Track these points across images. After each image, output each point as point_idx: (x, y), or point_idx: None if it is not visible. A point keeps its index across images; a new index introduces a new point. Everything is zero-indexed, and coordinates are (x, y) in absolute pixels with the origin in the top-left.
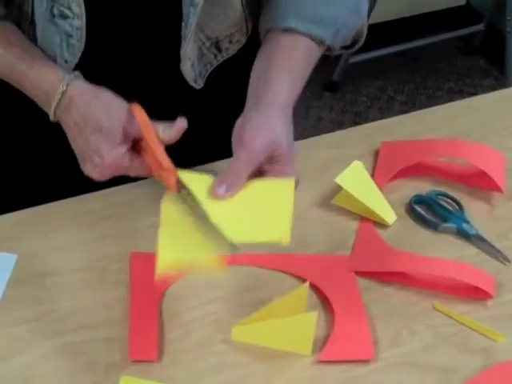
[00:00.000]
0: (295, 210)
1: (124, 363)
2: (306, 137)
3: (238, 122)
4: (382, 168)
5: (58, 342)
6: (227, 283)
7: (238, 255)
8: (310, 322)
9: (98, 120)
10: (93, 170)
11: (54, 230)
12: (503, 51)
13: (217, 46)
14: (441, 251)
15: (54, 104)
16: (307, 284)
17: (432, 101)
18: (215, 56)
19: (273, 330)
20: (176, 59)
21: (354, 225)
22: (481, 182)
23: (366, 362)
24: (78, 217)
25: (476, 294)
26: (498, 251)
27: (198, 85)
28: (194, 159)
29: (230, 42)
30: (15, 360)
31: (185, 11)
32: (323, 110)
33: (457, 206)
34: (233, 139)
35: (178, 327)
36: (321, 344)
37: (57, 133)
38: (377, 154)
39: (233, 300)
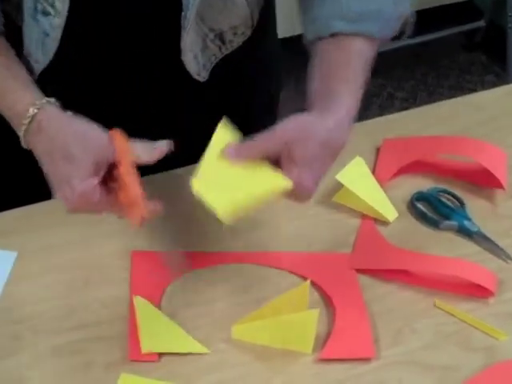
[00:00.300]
0: (294, 208)
1: (123, 361)
2: None
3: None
4: (383, 165)
5: (56, 341)
6: (227, 281)
7: (238, 253)
8: (312, 320)
9: (67, 147)
10: (65, 199)
11: (54, 227)
12: (504, 47)
13: (221, 37)
14: (442, 249)
15: (23, 129)
16: (308, 282)
17: (433, 97)
18: (219, 48)
19: (273, 328)
20: (177, 52)
21: (354, 222)
22: (483, 180)
23: (367, 360)
24: (77, 214)
25: (477, 291)
26: (500, 249)
27: (202, 78)
28: (196, 155)
29: (235, 34)
30: (14, 358)
31: (184, 1)
32: None
33: (458, 204)
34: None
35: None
36: (322, 342)
37: None
38: (378, 150)
39: (233, 298)
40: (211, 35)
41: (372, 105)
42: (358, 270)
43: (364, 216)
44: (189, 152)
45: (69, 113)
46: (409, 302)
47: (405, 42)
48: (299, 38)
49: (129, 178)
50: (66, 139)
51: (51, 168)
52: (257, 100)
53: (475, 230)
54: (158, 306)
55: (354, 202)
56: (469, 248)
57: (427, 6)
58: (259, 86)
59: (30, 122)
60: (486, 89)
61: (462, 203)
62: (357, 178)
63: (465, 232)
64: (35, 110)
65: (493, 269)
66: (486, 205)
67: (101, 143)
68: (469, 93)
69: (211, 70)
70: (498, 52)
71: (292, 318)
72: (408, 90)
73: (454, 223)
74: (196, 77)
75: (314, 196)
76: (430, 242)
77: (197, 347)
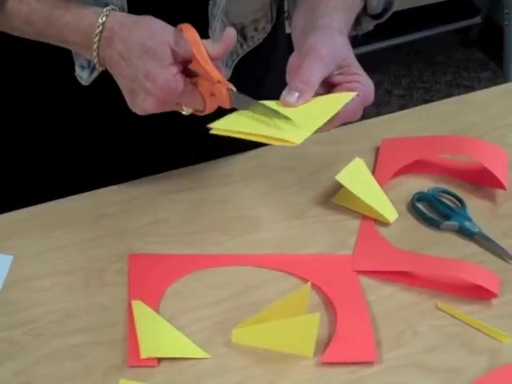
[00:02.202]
0: (294, 210)
1: (123, 366)
2: None
3: (292, 55)
4: (382, 165)
5: (55, 345)
6: (227, 284)
7: (237, 255)
8: (313, 323)
9: (142, 43)
10: (145, 100)
11: (50, 230)
12: (501, 44)
13: (242, 33)
14: (443, 249)
15: (95, 40)
16: (309, 284)
17: (429, 94)
18: (241, 45)
19: (274, 331)
20: None
21: (355, 223)
22: (483, 179)
23: (369, 363)
24: (74, 216)
25: (480, 293)
26: (502, 249)
27: (225, 76)
28: (218, 152)
29: (256, 30)
30: (11, 364)
31: None
32: None
33: (459, 204)
34: (288, 70)
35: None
36: (323, 345)
37: (55, 132)
38: (377, 150)
39: (233, 301)
40: None
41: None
42: (359, 272)
43: (364, 217)
44: (204, 151)
45: (133, 15)
46: (410, 304)
47: (401, 38)
48: None
49: (207, 65)
50: (141, 36)
51: (127, 69)
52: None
53: (476, 230)
54: (157, 309)
55: (353, 203)
56: (470, 249)
57: (424, 3)
58: (273, 83)
59: (101, 32)
60: (483, 86)
61: (462, 203)
62: (356, 178)
63: (466, 232)
64: (104, 18)
65: (494, 270)
66: (487, 205)
67: (173, 36)
68: (465, 89)
69: (233, 68)
70: (494, 49)
71: (293, 322)
72: (405, 86)
73: (454, 224)
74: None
75: (313, 197)
76: (431, 243)
77: (197, 352)
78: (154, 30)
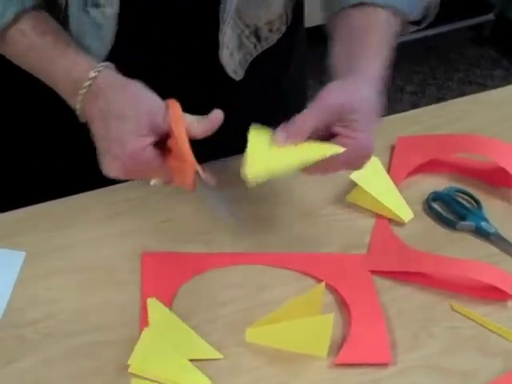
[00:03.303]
0: (307, 209)
1: None
2: None
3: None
4: (398, 164)
5: (65, 344)
6: (240, 283)
7: (251, 254)
8: (327, 324)
9: (122, 108)
10: (112, 162)
11: (63, 227)
12: None
13: (256, 34)
14: (459, 250)
15: (81, 92)
16: (323, 284)
17: (441, 91)
18: (255, 46)
19: (288, 332)
20: (214, 48)
21: (369, 223)
22: (500, 179)
23: (383, 365)
24: (87, 213)
25: (495, 294)
26: None
27: (238, 76)
28: (231, 150)
29: (270, 31)
30: (24, 362)
31: None
32: None
33: (475, 204)
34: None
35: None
36: (337, 346)
37: (67, 128)
38: (392, 149)
39: (246, 301)
40: (246, 32)
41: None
42: (373, 272)
43: (378, 216)
44: (216, 149)
45: (125, 78)
46: (425, 305)
47: (414, 35)
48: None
49: (183, 144)
50: (124, 100)
51: (102, 127)
52: (290, 99)
53: (492, 231)
54: (170, 308)
55: (368, 202)
56: (486, 249)
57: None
58: (291, 84)
59: (89, 85)
60: (496, 83)
61: (478, 203)
62: (371, 177)
63: (482, 233)
64: (95, 73)
65: (510, 271)
66: (504, 205)
67: (156, 108)
68: (478, 87)
69: (246, 69)
70: (507, 46)
71: (307, 322)
72: (417, 83)
73: (470, 224)
74: (232, 74)
75: (327, 195)
76: (447, 243)
77: (211, 352)
78: (138, 97)
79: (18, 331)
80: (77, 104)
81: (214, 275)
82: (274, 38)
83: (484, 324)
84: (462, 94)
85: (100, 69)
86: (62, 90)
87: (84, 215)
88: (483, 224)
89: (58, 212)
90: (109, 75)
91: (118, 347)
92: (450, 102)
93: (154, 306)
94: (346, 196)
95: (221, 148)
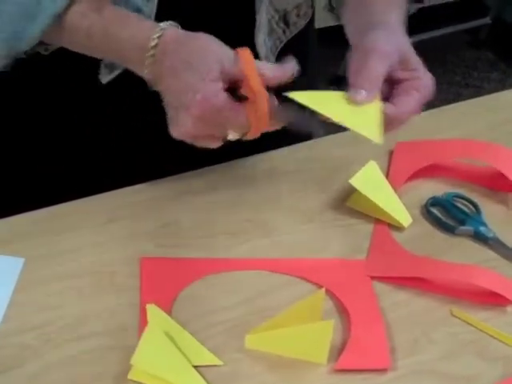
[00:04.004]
0: (307, 214)
1: None
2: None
3: (351, 54)
4: (396, 169)
5: (65, 350)
6: (240, 289)
7: (250, 260)
8: (327, 330)
9: (191, 58)
10: (184, 116)
11: (61, 233)
12: (510, 44)
13: (285, 19)
14: (458, 255)
15: (149, 54)
16: (323, 290)
17: (438, 94)
18: (284, 31)
19: (288, 338)
20: (249, 33)
21: (368, 228)
22: (498, 184)
23: (383, 370)
24: (86, 219)
25: (495, 299)
26: None
27: (270, 62)
28: (229, 155)
29: (298, 16)
30: (22, 369)
31: None
32: None
33: (474, 209)
34: (349, 68)
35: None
36: (336, 352)
37: (67, 134)
38: (391, 154)
39: (246, 306)
40: (276, 17)
41: None
42: (373, 277)
43: (378, 221)
44: (215, 154)
45: (189, 32)
46: (425, 311)
47: (411, 38)
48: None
49: (259, 89)
50: (190, 52)
51: (173, 82)
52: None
53: (491, 235)
54: (169, 314)
55: (367, 207)
56: (485, 254)
57: (433, 3)
58: (312, 70)
59: (155, 46)
60: (492, 86)
61: (477, 208)
62: (370, 182)
63: (481, 238)
64: (160, 33)
65: (509, 276)
66: (503, 210)
67: (225, 54)
68: (475, 89)
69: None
70: (504, 49)
71: (307, 329)
72: None
73: (469, 229)
74: (264, 60)
75: (326, 200)
76: (445, 248)
77: (210, 358)
78: (206, 46)
79: (18, 337)
80: (145, 68)
81: (214, 281)
82: (301, 23)
83: (484, 329)
84: (459, 96)
85: (164, 27)
86: (129, 58)
87: (83, 220)
88: (482, 229)
89: (57, 217)
90: (173, 32)
91: (118, 353)
92: (449, 106)
93: (154, 312)
94: (346, 201)
95: (219, 150)
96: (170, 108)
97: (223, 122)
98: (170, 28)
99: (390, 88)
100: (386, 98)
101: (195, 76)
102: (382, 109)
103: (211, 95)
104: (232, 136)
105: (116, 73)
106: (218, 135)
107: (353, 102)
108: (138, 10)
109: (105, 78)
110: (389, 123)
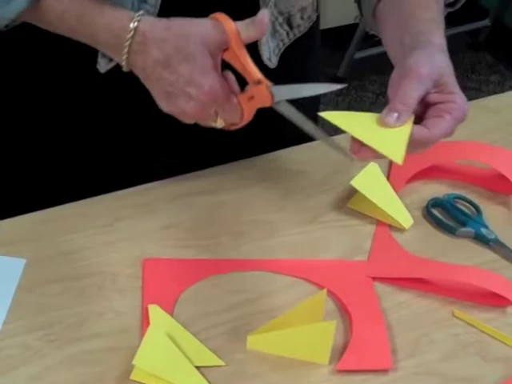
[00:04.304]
0: (308, 215)
1: None
2: None
3: (394, 72)
4: (397, 171)
5: (68, 351)
6: (242, 290)
7: (252, 260)
8: (328, 331)
9: (180, 49)
10: (187, 102)
11: (63, 234)
12: (509, 47)
13: (288, 22)
14: (459, 256)
15: (126, 45)
16: (325, 291)
17: None
18: (287, 33)
19: (289, 338)
20: None
21: (370, 229)
22: (499, 186)
23: (384, 371)
24: (88, 220)
25: (496, 300)
26: None
27: (273, 64)
28: (233, 156)
29: (302, 18)
30: (24, 369)
31: None
32: (328, 106)
33: (475, 210)
34: (389, 86)
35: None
36: (338, 353)
37: (69, 135)
38: None
39: (248, 307)
40: (280, 19)
41: (377, 104)
42: (374, 278)
43: (379, 222)
44: (218, 155)
45: (163, 18)
46: (426, 312)
47: None
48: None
49: (247, 62)
50: (176, 41)
51: (167, 74)
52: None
53: (492, 237)
54: (171, 315)
55: (368, 209)
56: (486, 256)
57: None
58: (313, 73)
59: (132, 37)
60: (491, 88)
61: (478, 210)
62: (371, 183)
63: (481, 239)
64: (136, 23)
65: (510, 277)
66: (503, 211)
67: (210, 32)
68: (474, 92)
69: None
70: (503, 52)
71: (309, 329)
72: None
73: (470, 230)
74: (267, 62)
75: (328, 202)
76: (447, 250)
77: (213, 359)
78: (186, 32)
79: (20, 338)
80: (122, 57)
81: (216, 281)
82: (305, 26)
83: (485, 330)
84: None
85: (139, 18)
86: (105, 45)
87: (85, 221)
88: (483, 230)
89: (60, 219)
90: (149, 21)
91: (120, 354)
92: None
93: (156, 313)
94: (347, 203)
95: (222, 151)
96: (159, 92)
97: (221, 109)
98: (144, 18)
99: (425, 109)
100: (420, 118)
101: (195, 67)
102: (413, 131)
103: (217, 85)
104: (219, 124)
105: (112, 64)
106: (208, 119)
107: (383, 123)
108: (143, 1)
109: (103, 67)
110: (417, 145)
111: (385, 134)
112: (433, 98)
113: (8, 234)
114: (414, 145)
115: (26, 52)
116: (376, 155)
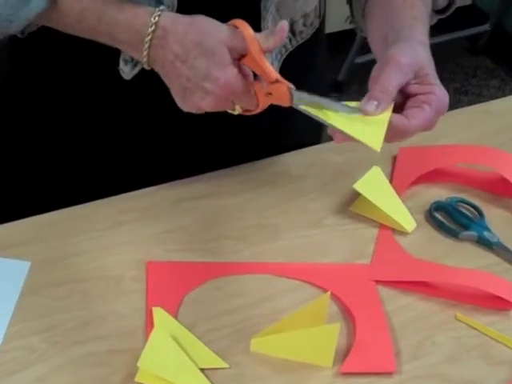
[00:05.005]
0: (311, 218)
1: None
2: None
3: (375, 66)
4: (400, 174)
5: (72, 353)
6: (245, 293)
7: (256, 263)
8: (332, 334)
9: (199, 44)
10: (203, 99)
11: (67, 237)
12: (510, 51)
13: (291, 28)
14: (461, 260)
15: (147, 40)
16: (328, 294)
17: None
18: (290, 40)
19: (293, 341)
20: None
21: (373, 232)
22: (502, 189)
23: (388, 374)
24: (93, 222)
25: (499, 303)
26: None
27: (275, 68)
28: (235, 159)
29: (304, 25)
30: (29, 372)
31: None
32: None
33: (477, 214)
34: (370, 79)
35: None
36: (342, 355)
37: (73, 138)
38: (394, 159)
39: (251, 310)
40: None
41: None
42: (377, 282)
43: (382, 226)
44: (221, 158)
45: (185, 15)
46: (429, 315)
47: None
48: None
49: (264, 64)
50: (196, 36)
51: (184, 69)
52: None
53: (495, 240)
54: (175, 317)
55: (371, 212)
56: (488, 259)
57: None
58: (314, 81)
59: (153, 31)
60: (492, 93)
61: (480, 213)
62: (374, 187)
63: (484, 243)
64: (156, 18)
65: None
66: (505, 214)
67: (228, 33)
68: (474, 97)
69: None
70: (503, 56)
71: (312, 332)
72: None
73: (473, 234)
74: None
75: (331, 205)
76: (449, 253)
77: (216, 361)
78: (208, 29)
79: (25, 340)
80: (143, 53)
81: (219, 284)
82: (308, 33)
83: (488, 333)
84: (458, 103)
85: (159, 13)
86: (126, 43)
87: (89, 224)
88: (486, 234)
89: (64, 222)
90: (170, 16)
91: (124, 356)
92: (451, 112)
93: (160, 315)
94: (350, 206)
95: (225, 154)
96: (177, 88)
97: (237, 101)
98: (164, 13)
99: (405, 99)
100: (401, 108)
101: (212, 63)
102: (392, 119)
103: (232, 81)
104: (237, 111)
105: (137, 70)
106: (225, 108)
107: (363, 112)
108: (159, 2)
109: (128, 74)
110: (396, 134)
111: (363, 121)
112: (413, 88)
113: (13, 236)
114: (392, 133)
115: (31, 54)
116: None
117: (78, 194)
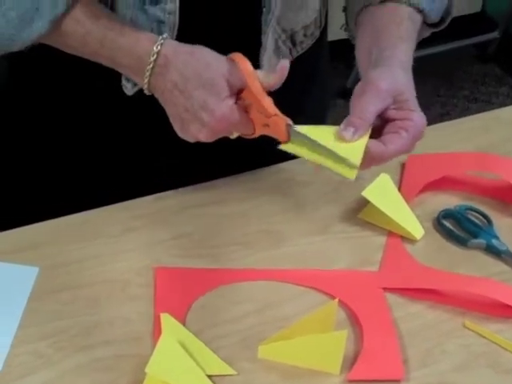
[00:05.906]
0: (319, 225)
1: None
2: None
3: (358, 85)
4: (408, 181)
5: (80, 358)
6: (253, 299)
7: (264, 270)
8: (340, 340)
9: (199, 75)
10: (200, 130)
11: (75, 242)
12: None
13: (292, 39)
14: (470, 267)
15: (148, 68)
16: (336, 301)
17: (446, 108)
18: (290, 51)
19: (301, 348)
20: (255, 52)
21: (381, 240)
22: (510, 197)
23: (396, 381)
24: (100, 228)
25: (507, 312)
26: None
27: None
28: (241, 167)
29: (305, 36)
30: (37, 376)
31: (266, 4)
32: (337, 117)
33: (486, 221)
34: (352, 98)
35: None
36: (349, 362)
37: (81, 144)
38: (403, 166)
39: (259, 316)
40: (283, 36)
41: None
42: (386, 289)
43: (390, 233)
44: (227, 166)
45: (187, 44)
46: (438, 322)
47: (419, 52)
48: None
49: (262, 98)
50: (196, 67)
51: (182, 99)
52: (313, 107)
53: (503, 248)
54: (183, 323)
55: (380, 219)
56: (497, 267)
57: None
58: (316, 92)
59: (155, 60)
60: (501, 100)
61: (489, 221)
62: (383, 194)
63: (493, 251)
64: (159, 47)
65: None
66: None
67: (227, 67)
68: (483, 104)
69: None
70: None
71: (320, 339)
72: (421, 100)
73: (482, 241)
74: None
75: (339, 212)
76: (458, 261)
77: (224, 368)
78: (208, 61)
79: (32, 345)
80: (144, 79)
81: (227, 291)
82: (308, 43)
83: (496, 341)
84: (467, 111)
85: (162, 41)
86: (127, 68)
87: (97, 230)
88: (494, 242)
89: (72, 227)
90: (172, 45)
91: (132, 362)
92: (462, 119)
93: (168, 322)
94: (359, 213)
95: (231, 162)
96: (175, 117)
97: (234, 131)
98: (167, 41)
99: (384, 124)
100: (379, 132)
101: (209, 95)
102: (369, 145)
103: (228, 113)
104: (235, 135)
105: (138, 87)
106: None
107: (343, 138)
108: (160, 22)
109: (130, 90)
110: (372, 159)
111: (340, 148)
112: (391, 113)
113: (21, 242)
114: (369, 160)
115: (32, 62)
116: None
117: (78, 194)
